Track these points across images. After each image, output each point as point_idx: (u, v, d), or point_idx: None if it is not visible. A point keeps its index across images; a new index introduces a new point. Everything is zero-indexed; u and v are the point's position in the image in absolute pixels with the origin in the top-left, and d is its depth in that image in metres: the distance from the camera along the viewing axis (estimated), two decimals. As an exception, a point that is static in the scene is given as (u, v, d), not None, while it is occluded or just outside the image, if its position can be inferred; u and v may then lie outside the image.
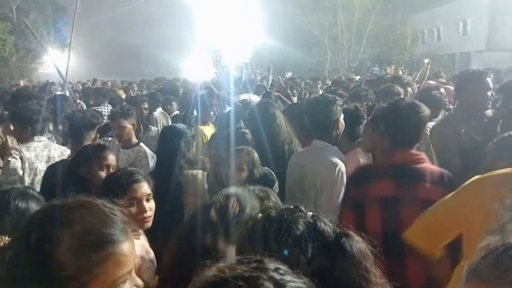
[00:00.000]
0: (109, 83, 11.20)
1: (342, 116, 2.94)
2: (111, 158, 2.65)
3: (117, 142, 4.17)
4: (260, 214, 1.15)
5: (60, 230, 0.99)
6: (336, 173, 2.68)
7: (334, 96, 3.10)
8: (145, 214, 2.06)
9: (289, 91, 6.56)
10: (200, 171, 3.01)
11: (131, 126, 4.00)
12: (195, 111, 5.33)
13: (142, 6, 27.08)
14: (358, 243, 1.11)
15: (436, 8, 31.41)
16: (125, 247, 1.04)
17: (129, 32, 35.73)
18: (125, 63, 34.76)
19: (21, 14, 31.53)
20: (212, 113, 5.26)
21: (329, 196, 2.64)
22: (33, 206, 1.76)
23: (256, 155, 2.82)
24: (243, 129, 3.38)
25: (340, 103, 3.03)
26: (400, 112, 2.44)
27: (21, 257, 1.01)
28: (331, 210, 2.50)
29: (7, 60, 29.12)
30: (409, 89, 5.33)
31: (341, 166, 2.72)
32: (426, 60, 9.01)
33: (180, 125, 3.41)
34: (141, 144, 4.05)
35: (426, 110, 2.43)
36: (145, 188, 2.11)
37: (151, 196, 2.15)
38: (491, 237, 1.81)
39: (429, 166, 2.40)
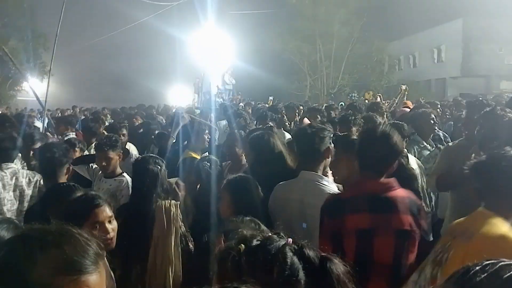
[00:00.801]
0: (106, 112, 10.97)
1: (331, 146, 2.89)
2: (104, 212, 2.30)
3: (100, 172, 4.07)
4: (242, 245, 1.16)
5: (34, 250, 1.04)
6: None
7: (323, 126, 3.09)
8: (108, 236, 2.13)
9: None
10: (173, 201, 2.97)
11: (117, 157, 3.96)
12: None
13: (124, 34, 27.23)
14: (340, 266, 1.15)
15: (411, 36, 32.45)
16: (92, 278, 1.07)
17: (110, 59, 35.75)
18: (106, 90, 34.65)
19: (0, 41, 31.37)
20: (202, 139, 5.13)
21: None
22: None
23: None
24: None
25: (330, 133, 2.96)
26: (371, 141, 2.45)
27: None
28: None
29: (-15, 87, 28.79)
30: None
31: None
32: (404, 87, 9.27)
33: (154, 155, 3.35)
34: (124, 174, 3.97)
35: (397, 140, 2.42)
36: (106, 211, 2.19)
37: (113, 217, 2.22)
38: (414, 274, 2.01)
39: (399, 193, 2.38)
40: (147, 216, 2.82)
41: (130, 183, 3.78)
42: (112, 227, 2.18)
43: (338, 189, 2.79)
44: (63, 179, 3.30)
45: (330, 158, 2.86)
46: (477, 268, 0.92)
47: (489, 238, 1.87)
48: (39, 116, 13.36)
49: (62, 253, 1.05)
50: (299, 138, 3.03)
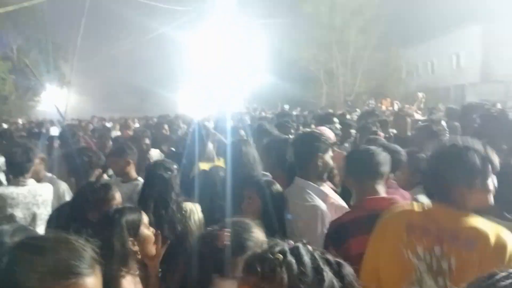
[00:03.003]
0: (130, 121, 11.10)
1: (329, 153, 2.89)
2: (118, 196, 2.71)
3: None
4: (280, 255, 1.16)
5: (31, 256, 1.11)
6: (317, 215, 2.62)
7: (318, 133, 3.07)
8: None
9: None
10: (196, 203, 3.03)
11: (126, 163, 4.15)
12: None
13: (141, 45, 27.63)
14: (351, 270, 1.21)
15: (429, 42, 32.13)
16: (88, 281, 1.13)
17: (128, 69, 36.34)
18: (124, 100, 35.19)
19: (21, 53, 32.21)
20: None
21: (311, 238, 2.51)
22: None
23: None
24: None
25: (327, 141, 2.97)
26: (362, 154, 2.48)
27: None
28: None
29: (6, 98, 29.55)
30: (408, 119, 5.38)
31: (322, 207, 2.67)
32: (420, 94, 9.16)
33: (167, 160, 3.48)
34: (139, 178, 4.17)
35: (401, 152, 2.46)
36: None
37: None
38: None
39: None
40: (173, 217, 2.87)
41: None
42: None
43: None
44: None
45: (324, 166, 2.84)
46: (503, 274, 0.97)
47: (499, 246, 1.79)
48: (58, 126, 13.60)
49: (59, 257, 1.12)
50: (296, 144, 3.03)
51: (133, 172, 4.21)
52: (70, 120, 14.57)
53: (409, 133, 5.20)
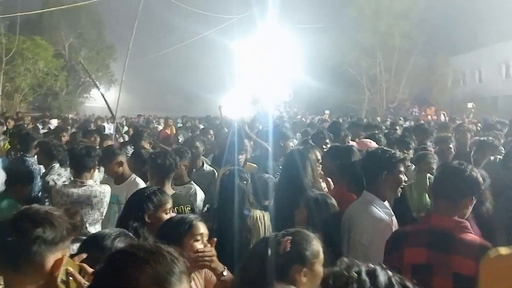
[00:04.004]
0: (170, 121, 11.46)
1: (399, 170, 2.89)
2: (170, 202, 2.80)
3: None
4: (355, 274, 1.21)
5: (126, 266, 1.19)
6: (382, 229, 2.67)
7: (391, 150, 3.09)
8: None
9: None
10: (264, 212, 3.13)
11: (184, 167, 4.36)
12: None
13: (187, 48, 28.20)
14: None
15: (477, 50, 31.06)
16: None
17: (174, 70, 37.14)
18: (169, 101, 35.99)
19: (73, 51, 33.63)
20: (240, 156, 5.21)
21: (376, 252, 2.58)
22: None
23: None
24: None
25: (400, 158, 2.99)
26: (447, 173, 2.42)
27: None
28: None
29: (57, 94, 30.86)
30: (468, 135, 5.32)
31: (387, 222, 2.73)
32: (470, 105, 8.98)
33: (241, 169, 3.58)
34: (192, 182, 4.37)
35: (473, 172, 2.34)
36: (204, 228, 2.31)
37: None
38: None
39: (469, 236, 2.24)
40: (232, 227, 2.95)
41: (197, 191, 4.23)
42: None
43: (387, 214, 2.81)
44: (169, 184, 3.74)
45: (395, 184, 2.87)
46: None
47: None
48: (107, 123, 14.10)
49: (152, 268, 1.18)
50: (367, 160, 3.06)
51: (185, 176, 4.39)
52: (120, 118, 15.20)
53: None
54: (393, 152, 3.02)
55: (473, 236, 2.24)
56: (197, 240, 2.23)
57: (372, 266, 1.24)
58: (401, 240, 2.38)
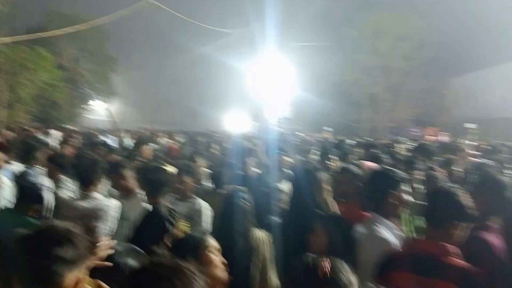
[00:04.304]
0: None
1: (405, 189, 2.88)
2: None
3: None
4: None
5: (149, 284, 1.26)
6: (385, 250, 2.61)
7: (394, 170, 3.07)
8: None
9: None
10: (266, 232, 3.06)
11: (191, 182, 4.31)
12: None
13: (187, 62, 28.41)
14: None
15: (476, 72, 31.41)
16: None
17: (173, 85, 37.31)
18: (167, 114, 36.05)
19: (74, 63, 33.77)
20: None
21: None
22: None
23: None
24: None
25: (403, 177, 2.97)
26: (436, 197, 2.44)
27: None
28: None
29: (58, 105, 30.88)
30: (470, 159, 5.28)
31: (393, 242, 2.69)
32: (473, 126, 8.99)
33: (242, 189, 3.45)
34: (196, 197, 4.28)
35: (462, 196, 2.35)
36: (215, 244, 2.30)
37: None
38: None
39: (453, 260, 2.24)
40: (235, 248, 2.87)
41: (202, 206, 4.13)
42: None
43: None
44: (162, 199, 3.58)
45: (401, 203, 2.85)
46: None
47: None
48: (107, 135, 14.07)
49: (172, 286, 1.23)
50: (372, 181, 3.04)
51: (190, 192, 4.27)
52: (125, 131, 15.21)
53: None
54: (395, 171, 3.01)
55: (457, 260, 2.23)
56: (213, 252, 2.22)
57: None
58: (389, 264, 2.39)
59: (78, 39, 32.79)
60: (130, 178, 4.20)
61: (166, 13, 17.95)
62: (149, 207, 3.56)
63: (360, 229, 2.90)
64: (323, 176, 3.77)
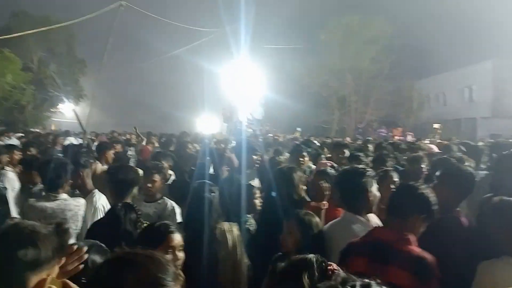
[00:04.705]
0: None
1: (375, 186, 2.95)
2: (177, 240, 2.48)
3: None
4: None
5: (127, 271, 1.25)
6: None
7: (364, 168, 3.16)
8: (178, 262, 2.27)
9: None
10: (234, 224, 3.11)
11: (161, 182, 4.21)
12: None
13: (159, 65, 28.18)
14: None
15: (442, 74, 32.46)
16: None
17: (145, 87, 36.93)
18: (139, 116, 35.59)
19: (42, 65, 32.97)
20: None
21: None
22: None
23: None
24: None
25: (372, 174, 3.04)
26: (400, 190, 2.58)
27: None
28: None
29: (23, 108, 30.04)
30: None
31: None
32: (437, 125, 9.34)
33: (209, 182, 3.42)
34: (164, 198, 4.16)
35: (425, 191, 2.46)
36: (179, 238, 2.37)
37: (182, 248, 2.39)
38: None
39: (408, 248, 2.29)
40: (202, 240, 2.91)
41: (173, 206, 4.04)
42: (181, 255, 2.36)
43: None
44: (129, 199, 3.53)
45: (373, 199, 2.91)
46: None
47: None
48: (76, 138, 13.85)
49: (149, 271, 1.25)
50: (342, 180, 3.09)
51: (158, 192, 4.19)
52: (89, 133, 14.93)
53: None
54: (368, 169, 3.08)
55: (412, 248, 2.29)
56: (168, 252, 2.26)
57: (367, 280, 1.29)
58: (349, 250, 2.46)
59: (46, 41, 32.07)
60: (87, 177, 4.16)
61: (138, 14, 17.76)
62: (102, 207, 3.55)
63: (333, 228, 2.97)
64: (298, 175, 3.87)
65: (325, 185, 3.82)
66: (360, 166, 3.26)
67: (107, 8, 13.37)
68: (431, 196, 2.45)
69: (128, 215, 2.89)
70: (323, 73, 30.31)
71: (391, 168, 4.82)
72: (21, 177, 5.00)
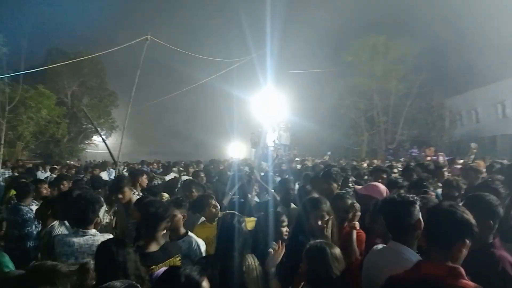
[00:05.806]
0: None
1: (420, 214, 2.79)
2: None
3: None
4: None
5: None
6: None
7: (413, 196, 2.98)
8: None
9: None
10: (253, 256, 3.11)
11: (182, 217, 4.15)
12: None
13: (188, 93, 28.66)
14: None
15: (473, 90, 31.66)
16: None
17: (176, 116, 37.53)
18: (172, 145, 36.13)
19: (75, 99, 34.22)
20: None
21: None
22: None
23: None
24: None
25: (419, 203, 2.89)
26: (437, 216, 2.32)
27: None
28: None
29: (59, 141, 31.08)
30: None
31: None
32: (473, 145, 9.05)
33: (238, 214, 3.47)
34: (190, 233, 4.11)
35: (464, 213, 2.27)
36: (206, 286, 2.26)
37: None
38: None
39: (462, 283, 2.13)
40: (233, 273, 2.91)
41: (200, 244, 3.99)
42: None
43: None
44: (161, 233, 3.52)
45: (421, 229, 2.69)
46: None
47: None
48: (110, 169, 14.13)
49: None
50: (387, 210, 2.95)
51: (182, 227, 4.11)
52: (122, 164, 15.26)
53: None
54: (410, 197, 2.90)
55: (466, 282, 2.13)
56: None
57: None
58: (391, 286, 2.32)
59: (78, 75, 33.40)
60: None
61: (166, 47, 18.36)
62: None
63: (377, 256, 2.86)
64: (324, 205, 3.80)
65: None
66: (410, 196, 3.01)
67: (133, 41, 13.86)
68: (470, 217, 2.26)
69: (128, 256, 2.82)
70: (351, 94, 30.10)
71: (433, 194, 4.67)
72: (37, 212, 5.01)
